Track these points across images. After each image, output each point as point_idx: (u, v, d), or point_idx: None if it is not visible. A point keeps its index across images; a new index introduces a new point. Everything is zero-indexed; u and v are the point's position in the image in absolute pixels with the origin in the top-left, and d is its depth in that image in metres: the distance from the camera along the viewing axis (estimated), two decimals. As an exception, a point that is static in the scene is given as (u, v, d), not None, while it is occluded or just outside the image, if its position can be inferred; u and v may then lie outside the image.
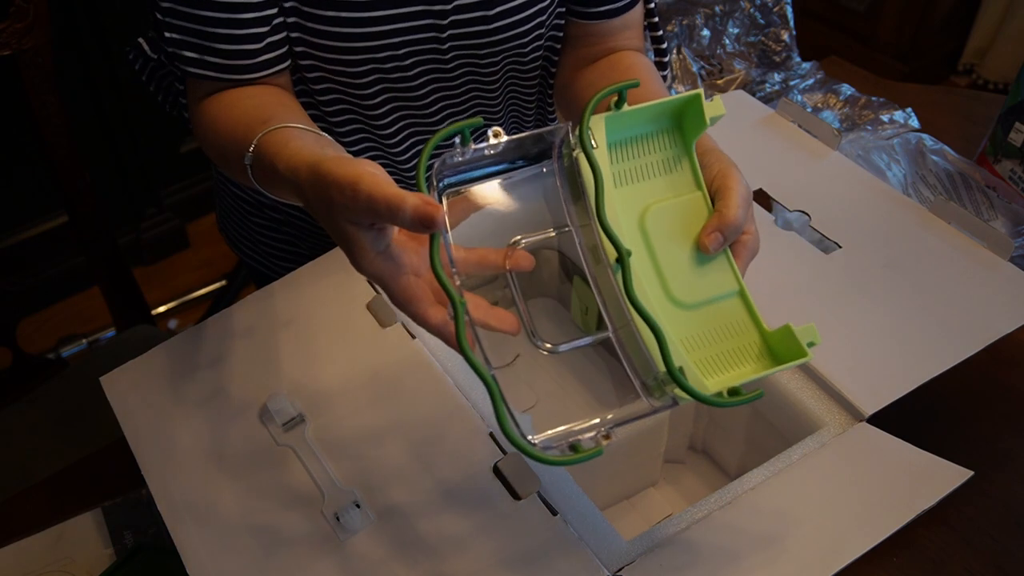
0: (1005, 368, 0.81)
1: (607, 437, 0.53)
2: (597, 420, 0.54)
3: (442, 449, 0.67)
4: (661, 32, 0.90)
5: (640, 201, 0.60)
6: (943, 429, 0.75)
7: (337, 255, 0.82)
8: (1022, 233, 0.93)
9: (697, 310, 0.57)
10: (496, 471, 0.65)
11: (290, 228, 0.96)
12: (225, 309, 0.78)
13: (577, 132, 0.58)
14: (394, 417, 0.70)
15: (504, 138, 0.55)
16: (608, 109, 0.59)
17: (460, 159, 0.55)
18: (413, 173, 0.90)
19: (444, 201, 0.57)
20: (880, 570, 0.65)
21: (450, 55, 0.80)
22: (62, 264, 1.91)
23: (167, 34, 0.73)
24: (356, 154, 0.87)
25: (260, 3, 0.72)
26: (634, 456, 0.75)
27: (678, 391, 0.53)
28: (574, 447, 0.52)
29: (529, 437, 0.52)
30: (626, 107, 0.59)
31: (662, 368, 0.53)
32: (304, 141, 0.63)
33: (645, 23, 0.88)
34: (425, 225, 0.50)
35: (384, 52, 0.77)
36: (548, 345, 0.63)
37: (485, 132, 0.55)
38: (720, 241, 0.59)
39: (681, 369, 0.52)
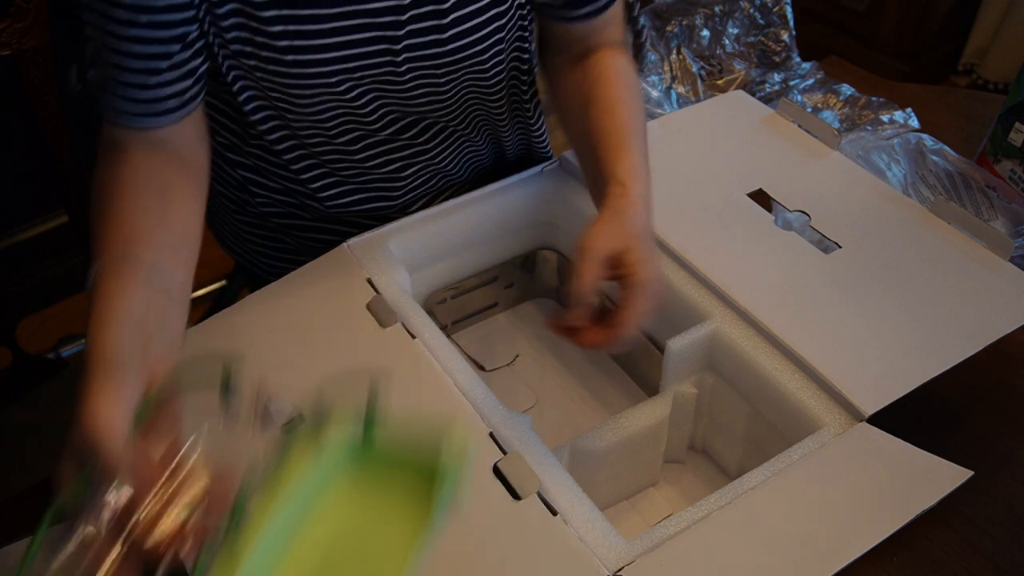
0: (1005, 368, 0.82)
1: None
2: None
3: (442, 449, 0.67)
4: (636, 13, 0.89)
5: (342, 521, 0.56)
6: (943, 429, 0.75)
7: (335, 255, 0.82)
8: (1022, 233, 0.93)
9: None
10: (496, 471, 0.65)
11: (276, 221, 0.95)
12: (225, 309, 0.78)
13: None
14: (394, 417, 0.70)
15: None
16: None
17: None
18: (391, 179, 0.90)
19: None
20: (880, 570, 0.65)
21: (407, 76, 0.79)
22: (62, 264, 1.90)
23: (91, 72, 0.73)
24: (310, 175, 0.86)
25: (169, 52, 0.69)
26: (634, 456, 0.75)
27: None
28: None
29: None
30: (376, 440, 0.57)
31: None
32: (122, 331, 0.59)
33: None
34: None
35: (337, 77, 0.76)
36: None
37: None
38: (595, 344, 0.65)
39: None
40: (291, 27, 0.72)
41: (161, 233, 0.67)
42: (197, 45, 0.71)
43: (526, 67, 0.87)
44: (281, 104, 0.79)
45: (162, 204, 0.68)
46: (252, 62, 0.75)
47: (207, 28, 0.72)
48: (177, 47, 0.69)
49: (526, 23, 0.84)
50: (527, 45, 0.86)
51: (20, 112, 0.99)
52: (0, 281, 1.81)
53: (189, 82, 0.71)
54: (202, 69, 0.72)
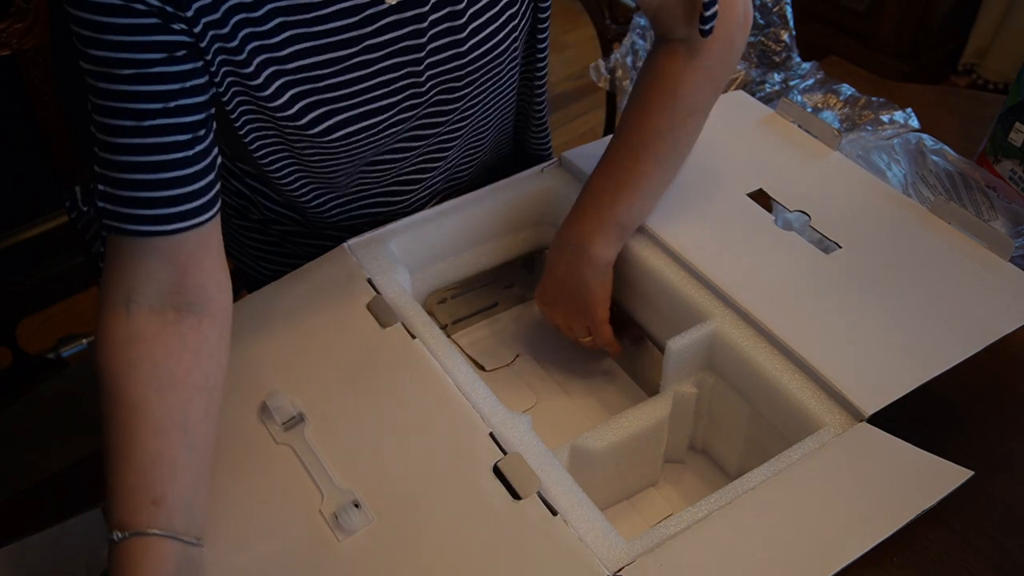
0: (1006, 368, 0.82)
1: None
2: None
3: (442, 449, 0.67)
4: None
5: None
6: (943, 429, 0.76)
7: (335, 255, 0.82)
8: (1022, 233, 0.93)
9: None
10: (496, 471, 0.65)
11: (277, 228, 0.95)
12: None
13: None
14: (394, 417, 0.70)
15: None
16: None
17: None
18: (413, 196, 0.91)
19: None
20: (880, 570, 0.65)
21: (429, 94, 0.79)
22: (62, 264, 1.91)
23: (100, 187, 0.64)
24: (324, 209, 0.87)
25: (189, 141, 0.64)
26: (634, 456, 0.75)
27: None
28: None
29: None
30: None
31: None
32: None
33: None
34: None
35: (364, 109, 0.76)
36: None
37: None
38: None
39: None
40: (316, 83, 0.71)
41: (186, 477, 0.62)
42: (214, 132, 0.67)
43: (541, 56, 0.88)
44: (298, 147, 0.79)
45: (184, 425, 0.63)
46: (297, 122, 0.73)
47: (229, 99, 0.70)
48: (203, 131, 0.65)
49: (542, 15, 0.84)
50: (542, 36, 0.86)
51: (20, 112, 0.99)
52: (0, 281, 1.81)
53: (212, 176, 0.66)
54: (219, 161, 0.68)
